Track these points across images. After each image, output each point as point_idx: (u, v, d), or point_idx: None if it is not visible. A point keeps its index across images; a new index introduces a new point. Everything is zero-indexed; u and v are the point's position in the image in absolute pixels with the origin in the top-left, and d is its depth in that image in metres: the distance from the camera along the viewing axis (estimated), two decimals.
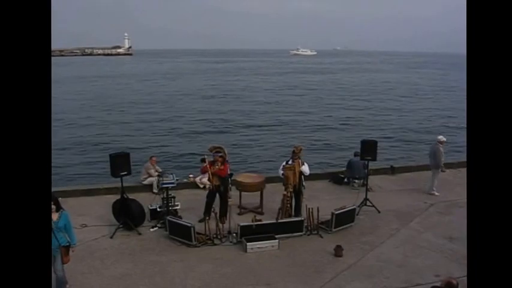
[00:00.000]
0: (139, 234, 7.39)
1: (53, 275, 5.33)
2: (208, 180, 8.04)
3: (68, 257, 5.28)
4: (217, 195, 7.85)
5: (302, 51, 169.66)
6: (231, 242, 7.10)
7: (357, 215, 8.03)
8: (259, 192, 8.48)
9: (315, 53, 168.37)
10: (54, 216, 5.13)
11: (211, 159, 7.80)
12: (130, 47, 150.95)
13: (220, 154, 7.67)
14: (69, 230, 5.29)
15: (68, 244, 5.24)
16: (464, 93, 2.55)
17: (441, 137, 9.79)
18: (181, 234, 7.03)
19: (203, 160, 10.17)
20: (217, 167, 7.64)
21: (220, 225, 7.32)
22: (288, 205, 7.74)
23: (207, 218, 7.41)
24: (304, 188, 8.00)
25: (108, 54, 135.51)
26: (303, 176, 7.87)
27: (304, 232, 7.40)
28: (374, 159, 8.71)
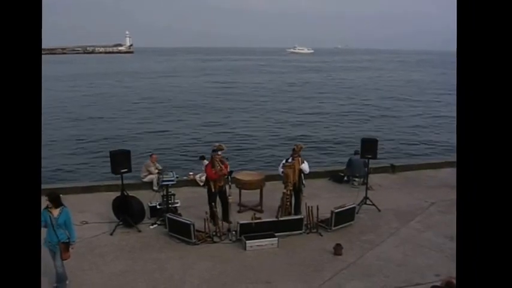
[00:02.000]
0: (139, 231, 7.39)
1: (53, 271, 5.35)
2: (206, 183, 7.78)
3: (67, 254, 5.29)
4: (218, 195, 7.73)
5: (299, 50, 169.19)
6: (230, 240, 7.10)
7: (357, 213, 8.01)
8: (258, 190, 8.47)
9: (312, 51, 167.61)
10: (55, 212, 5.18)
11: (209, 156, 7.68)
12: (131, 45, 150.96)
13: (219, 153, 7.57)
14: (69, 227, 5.32)
15: (67, 240, 5.26)
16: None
17: None
18: (180, 231, 7.03)
19: (202, 157, 10.21)
20: (218, 167, 7.46)
21: (220, 223, 7.32)
22: (288, 203, 7.73)
23: (214, 219, 7.34)
24: (304, 186, 7.98)
25: (109, 52, 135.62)
26: (302, 174, 7.84)
27: (303, 230, 7.38)
28: (374, 158, 8.68)
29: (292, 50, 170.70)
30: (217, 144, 7.81)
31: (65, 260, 5.32)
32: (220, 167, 7.49)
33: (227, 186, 7.72)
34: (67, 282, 5.52)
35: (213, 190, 7.56)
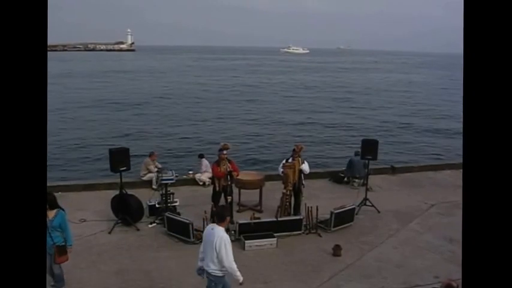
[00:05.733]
0: (138, 230, 7.37)
1: (50, 273, 5.25)
2: (212, 181, 7.85)
3: (62, 258, 5.08)
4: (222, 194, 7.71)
5: (293, 49, 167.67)
6: None
7: (356, 214, 7.99)
8: (258, 190, 8.45)
9: (307, 51, 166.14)
10: (50, 215, 5.00)
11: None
12: (133, 43, 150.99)
13: (224, 152, 7.56)
14: (65, 230, 5.14)
15: (63, 244, 5.09)
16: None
17: None
18: (179, 230, 7.01)
19: (201, 156, 10.19)
20: (224, 166, 7.47)
21: None
22: (287, 203, 7.72)
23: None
24: (303, 187, 7.96)
25: (110, 50, 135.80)
26: (302, 175, 7.83)
27: (302, 231, 7.37)
28: (375, 159, 8.66)
29: (286, 49, 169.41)
30: (222, 143, 7.82)
31: (59, 263, 5.12)
32: (227, 165, 7.50)
33: (232, 186, 7.72)
34: (63, 284, 5.40)
35: (217, 189, 7.59)
